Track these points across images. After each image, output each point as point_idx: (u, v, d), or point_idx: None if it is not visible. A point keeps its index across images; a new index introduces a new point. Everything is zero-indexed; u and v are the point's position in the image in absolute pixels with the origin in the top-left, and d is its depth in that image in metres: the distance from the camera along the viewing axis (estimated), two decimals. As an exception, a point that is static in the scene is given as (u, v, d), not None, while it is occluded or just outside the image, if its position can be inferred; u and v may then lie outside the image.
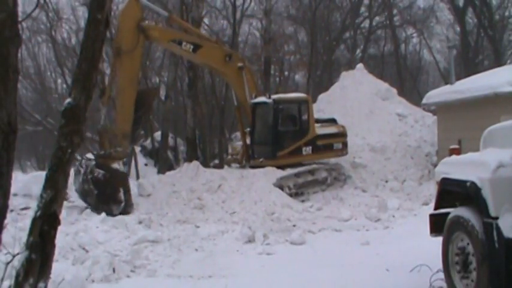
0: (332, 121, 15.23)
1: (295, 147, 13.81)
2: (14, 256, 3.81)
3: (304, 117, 14.16)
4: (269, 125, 13.71)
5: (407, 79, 33.21)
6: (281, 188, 12.53)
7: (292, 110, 14.15)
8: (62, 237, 8.28)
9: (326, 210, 11.69)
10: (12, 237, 5.02)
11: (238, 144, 15.27)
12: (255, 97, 14.20)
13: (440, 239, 5.75)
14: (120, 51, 12.19)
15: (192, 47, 13.14)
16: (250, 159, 14.05)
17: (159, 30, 13.19)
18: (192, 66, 20.17)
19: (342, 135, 14.85)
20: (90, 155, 13.13)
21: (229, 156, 15.99)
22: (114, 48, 12.81)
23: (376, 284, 6.49)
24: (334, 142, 14.68)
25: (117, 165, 12.12)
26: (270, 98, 13.74)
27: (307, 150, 14.02)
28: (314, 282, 6.75)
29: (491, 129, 5.82)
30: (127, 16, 12.39)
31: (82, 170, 11.91)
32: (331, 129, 14.76)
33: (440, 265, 5.75)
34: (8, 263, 3.97)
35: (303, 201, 12.73)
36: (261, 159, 13.58)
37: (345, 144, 14.84)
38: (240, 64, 13.91)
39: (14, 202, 11.14)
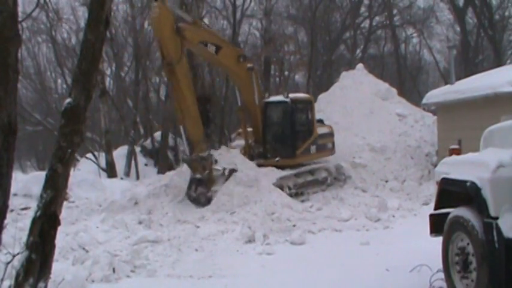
0: (320, 122, 15.43)
1: (305, 146, 14.04)
2: (14, 256, 3.82)
3: (310, 117, 14.47)
4: (287, 124, 13.87)
5: (407, 79, 33.21)
6: (281, 188, 12.51)
7: (304, 110, 14.40)
8: (62, 237, 8.29)
9: (326, 210, 11.67)
10: (12, 237, 5.03)
11: (235, 144, 15.21)
12: (268, 97, 14.49)
13: (440, 239, 5.75)
14: (171, 66, 11.78)
15: (214, 48, 13.04)
16: (253, 158, 14.03)
17: (192, 32, 12.57)
18: (192, 66, 20.13)
19: (332, 135, 15.28)
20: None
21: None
22: (165, 66, 12.34)
23: (376, 284, 6.49)
24: (328, 142, 15.08)
25: (217, 171, 12.25)
26: (287, 97, 13.95)
27: (312, 149, 14.28)
28: (314, 282, 6.76)
29: (491, 129, 5.82)
30: (163, 24, 11.65)
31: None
32: (324, 129, 15.09)
33: (440, 265, 5.75)
34: (8, 263, 3.98)
35: (303, 201, 12.71)
36: (276, 159, 13.61)
37: (333, 144, 15.29)
38: (249, 65, 13.98)
39: (14, 202, 11.14)
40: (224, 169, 12.26)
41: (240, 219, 10.66)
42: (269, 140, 14.09)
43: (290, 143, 13.77)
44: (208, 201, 11.87)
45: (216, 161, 12.41)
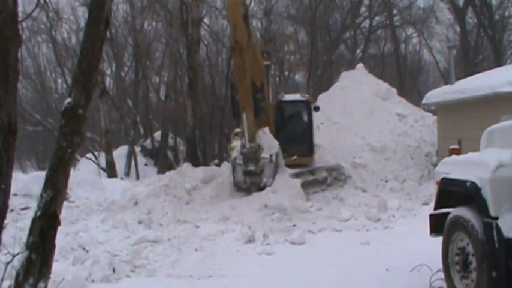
0: None
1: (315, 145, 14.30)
2: (14, 256, 3.82)
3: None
4: (307, 123, 14.14)
5: (407, 79, 33.19)
6: (281, 187, 12.52)
7: (314, 110, 14.68)
8: (62, 237, 8.28)
9: (326, 210, 11.67)
10: (12, 237, 5.02)
11: (234, 144, 15.18)
12: (283, 96, 14.77)
13: (440, 239, 5.75)
14: (242, 50, 11.71)
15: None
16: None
17: (249, 20, 12.75)
18: (192, 66, 20.17)
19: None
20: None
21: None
22: (236, 51, 12.05)
23: (376, 284, 6.49)
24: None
25: (264, 159, 12.19)
26: (304, 96, 14.25)
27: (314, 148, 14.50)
28: (314, 282, 6.75)
29: (491, 129, 5.81)
30: (239, 7, 11.72)
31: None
32: None
33: (440, 265, 5.75)
34: (8, 263, 3.98)
35: (303, 201, 12.71)
36: (293, 157, 13.66)
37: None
38: (267, 62, 14.03)
39: (14, 202, 11.12)
40: (271, 156, 12.33)
41: (240, 219, 10.66)
42: (285, 138, 13.99)
43: (309, 141, 13.99)
44: (260, 190, 11.95)
45: (262, 149, 12.38)
